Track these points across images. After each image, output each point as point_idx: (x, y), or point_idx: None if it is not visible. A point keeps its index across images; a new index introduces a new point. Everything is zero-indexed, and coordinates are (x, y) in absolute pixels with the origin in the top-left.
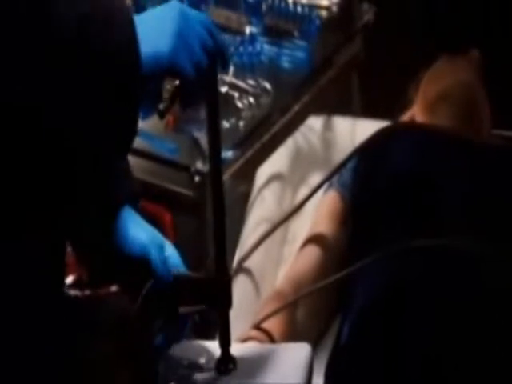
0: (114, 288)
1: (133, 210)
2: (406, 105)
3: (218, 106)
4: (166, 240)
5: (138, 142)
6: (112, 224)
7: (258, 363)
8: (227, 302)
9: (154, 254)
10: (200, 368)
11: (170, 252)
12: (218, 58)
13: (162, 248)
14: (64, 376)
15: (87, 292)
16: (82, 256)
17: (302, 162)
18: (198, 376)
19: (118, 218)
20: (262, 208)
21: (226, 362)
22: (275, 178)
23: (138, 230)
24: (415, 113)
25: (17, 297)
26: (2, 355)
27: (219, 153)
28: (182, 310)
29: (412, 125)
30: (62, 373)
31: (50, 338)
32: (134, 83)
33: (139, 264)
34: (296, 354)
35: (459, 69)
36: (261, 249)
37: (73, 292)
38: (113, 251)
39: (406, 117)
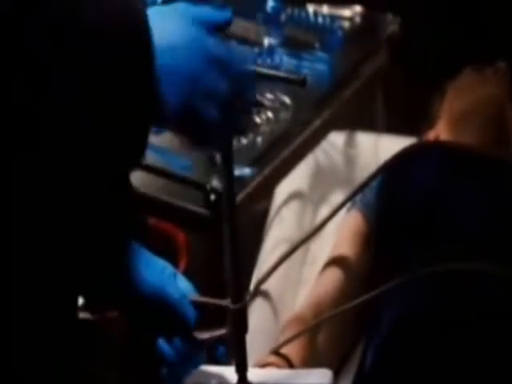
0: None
1: (139, 243)
2: (429, 122)
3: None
4: (176, 271)
5: (150, 158)
6: (121, 261)
7: None
8: (243, 327)
9: (173, 297)
10: None
11: (182, 283)
12: None
13: (178, 287)
14: None
15: (95, 316)
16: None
17: (322, 180)
18: None
19: (127, 260)
20: (281, 228)
21: None
22: (295, 196)
23: (149, 269)
24: (440, 130)
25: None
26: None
27: (231, 169)
28: (199, 336)
29: (438, 143)
30: None
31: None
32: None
33: (154, 304)
34: (317, 380)
35: (485, 82)
36: (279, 271)
37: (82, 315)
38: (125, 293)
39: (430, 136)
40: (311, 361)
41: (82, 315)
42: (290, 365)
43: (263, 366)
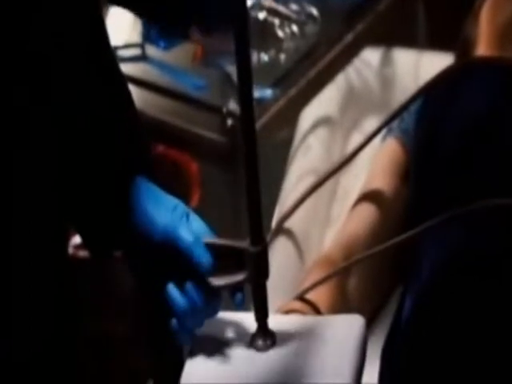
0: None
1: (148, 179)
2: (463, 48)
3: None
4: (189, 208)
5: (160, 77)
6: (125, 199)
7: (300, 338)
8: (263, 271)
9: (186, 240)
10: (233, 344)
11: (196, 223)
12: None
13: (191, 228)
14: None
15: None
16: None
17: (354, 104)
18: (231, 353)
19: (133, 196)
20: (307, 158)
21: (263, 337)
22: (323, 122)
23: (158, 209)
24: (481, 53)
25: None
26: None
27: (250, 90)
28: (215, 282)
29: (488, 59)
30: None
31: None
32: None
33: (163, 247)
34: (347, 326)
35: None
36: (305, 206)
37: (82, 253)
38: (131, 234)
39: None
40: (341, 308)
41: (83, 253)
42: (317, 312)
43: (286, 312)
